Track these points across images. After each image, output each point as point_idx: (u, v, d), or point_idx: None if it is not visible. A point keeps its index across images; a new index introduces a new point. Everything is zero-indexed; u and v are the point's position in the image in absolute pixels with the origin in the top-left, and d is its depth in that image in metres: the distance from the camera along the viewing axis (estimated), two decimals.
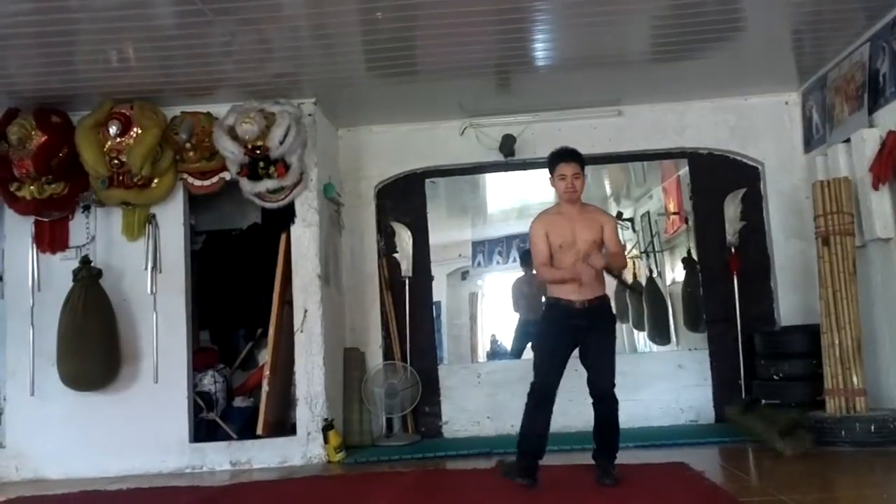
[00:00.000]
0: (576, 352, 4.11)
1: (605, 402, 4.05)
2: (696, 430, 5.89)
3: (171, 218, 5.76)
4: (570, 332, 4.03)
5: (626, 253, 4.26)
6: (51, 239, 5.74)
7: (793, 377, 5.58)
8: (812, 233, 5.36)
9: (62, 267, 5.64)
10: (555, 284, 4.07)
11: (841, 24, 5.10)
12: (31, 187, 5.55)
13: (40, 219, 5.72)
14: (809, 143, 6.19)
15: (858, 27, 5.13)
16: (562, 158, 4.16)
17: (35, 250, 5.71)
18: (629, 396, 6.17)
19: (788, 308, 6.16)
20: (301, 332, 5.65)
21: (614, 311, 4.31)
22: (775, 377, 5.70)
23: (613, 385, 4.05)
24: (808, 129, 6.22)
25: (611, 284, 4.26)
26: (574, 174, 4.09)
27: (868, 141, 5.04)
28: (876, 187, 4.97)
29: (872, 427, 4.69)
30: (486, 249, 7.71)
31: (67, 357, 5.40)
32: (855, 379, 4.91)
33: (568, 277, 3.99)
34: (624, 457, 4.92)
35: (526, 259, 7.02)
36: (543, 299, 4.24)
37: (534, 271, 4.20)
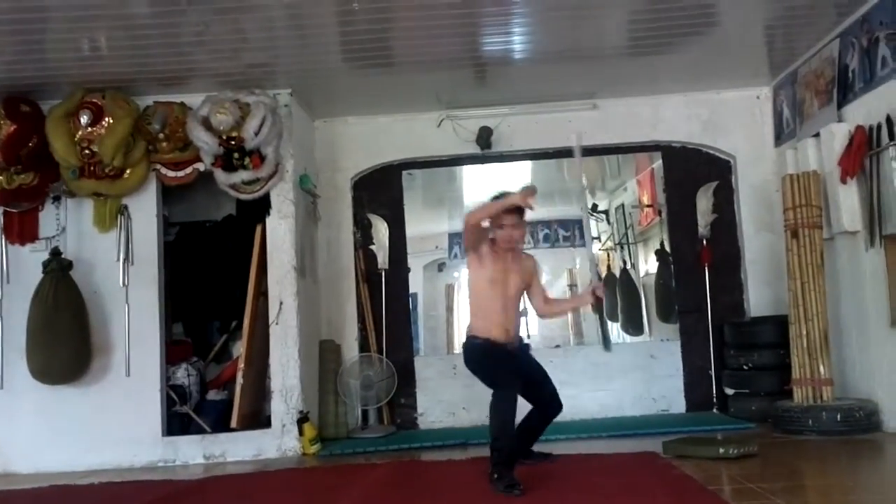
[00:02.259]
0: None
1: (557, 409, 4.37)
2: (667, 419, 5.98)
3: (144, 209, 5.70)
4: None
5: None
6: (20, 230, 5.66)
7: (761, 367, 5.70)
8: (781, 226, 5.45)
9: (32, 259, 5.56)
10: (485, 326, 4.18)
11: (812, 19, 5.17)
12: (0, 178, 5.46)
13: (9, 209, 5.63)
14: (780, 137, 6.28)
15: (829, 23, 5.21)
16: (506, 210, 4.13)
17: (4, 242, 5.62)
18: (602, 386, 6.31)
19: (758, 299, 6.26)
20: (276, 324, 5.63)
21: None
22: (745, 367, 5.80)
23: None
24: (778, 123, 6.31)
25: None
26: (514, 225, 4.13)
27: (837, 135, 5.12)
28: (844, 181, 5.05)
29: (839, 416, 4.79)
30: (462, 242, 7.71)
31: (37, 350, 5.33)
32: (822, 369, 5.01)
33: (514, 201, 4.02)
34: (596, 446, 5.06)
35: None
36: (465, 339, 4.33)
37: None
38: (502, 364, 4.13)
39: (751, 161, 6.43)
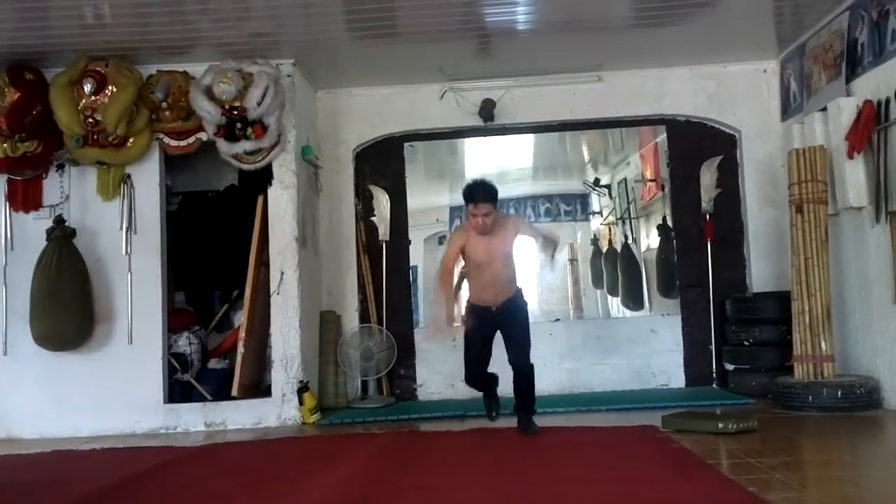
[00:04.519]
0: None
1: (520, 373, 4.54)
2: (666, 394, 5.99)
3: (147, 178, 5.69)
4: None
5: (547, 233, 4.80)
6: (24, 198, 5.67)
7: (762, 343, 5.69)
8: (786, 201, 5.41)
9: (35, 226, 5.58)
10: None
11: None
12: (4, 145, 5.48)
13: (13, 177, 5.64)
14: (787, 112, 6.22)
15: None
16: (471, 199, 4.32)
17: (8, 209, 5.64)
18: (602, 360, 6.33)
19: (760, 275, 6.24)
20: (277, 294, 5.64)
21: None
22: (745, 343, 5.80)
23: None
24: (785, 97, 6.25)
25: None
26: (484, 213, 4.31)
27: (844, 110, 5.07)
28: (851, 156, 5.01)
29: (839, 392, 4.78)
30: (463, 215, 7.67)
31: (41, 317, 5.36)
32: (823, 345, 5.00)
33: (437, 310, 4.51)
34: (595, 419, 5.06)
35: None
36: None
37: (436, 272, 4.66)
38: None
39: (756, 135, 6.37)
